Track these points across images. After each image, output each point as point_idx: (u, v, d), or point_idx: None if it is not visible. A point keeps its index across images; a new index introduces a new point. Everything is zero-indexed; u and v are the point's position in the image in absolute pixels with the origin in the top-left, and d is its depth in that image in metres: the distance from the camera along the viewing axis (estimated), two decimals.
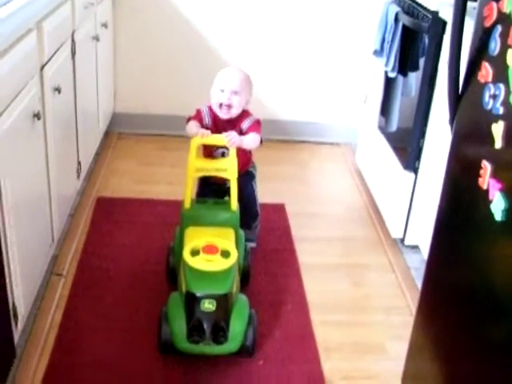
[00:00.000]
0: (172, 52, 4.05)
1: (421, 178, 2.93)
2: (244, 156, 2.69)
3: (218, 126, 2.65)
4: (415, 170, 2.95)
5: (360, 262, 3.01)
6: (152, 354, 2.28)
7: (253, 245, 2.90)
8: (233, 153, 2.51)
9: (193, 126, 2.60)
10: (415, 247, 3.03)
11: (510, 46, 1.48)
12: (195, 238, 2.38)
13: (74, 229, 3.03)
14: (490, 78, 1.58)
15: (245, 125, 2.66)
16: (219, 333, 2.20)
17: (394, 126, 3.27)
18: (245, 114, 2.69)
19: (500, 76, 1.52)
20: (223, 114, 2.64)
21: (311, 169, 3.95)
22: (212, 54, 4.04)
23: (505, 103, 1.50)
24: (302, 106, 4.23)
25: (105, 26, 3.56)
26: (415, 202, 2.98)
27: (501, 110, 1.52)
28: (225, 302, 2.21)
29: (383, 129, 3.41)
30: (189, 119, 2.67)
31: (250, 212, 2.85)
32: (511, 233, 1.47)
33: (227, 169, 2.53)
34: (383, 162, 3.35)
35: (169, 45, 4.03)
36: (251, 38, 4.04)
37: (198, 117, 2.67)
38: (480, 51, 1.64)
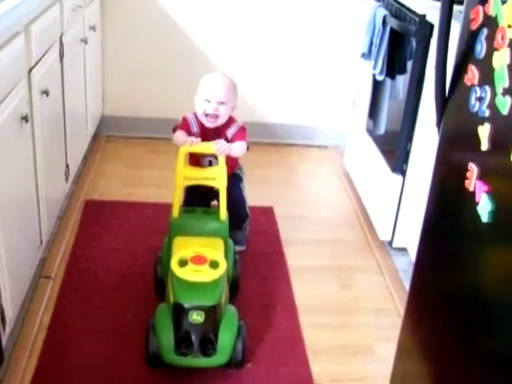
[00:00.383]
0: (160, 55, 4.05)
1: (408, 180, 2.94)
2: (231, 159, 2.67)
3: (205, 133, 2.63)
4: (403, 173, 2.96)
5: (348, 265, 3.02)
6: (140, 357, 2.27)
7: (242, 248, 2.90)
8: (222, 161, 2.49)
9: (180, 135, 2.57)
10: (403, 249, 3.04)
11: (495, 49, 1.49)
12: (183, 248, 2.35)
13: (62, 231, 3.02)
14: (476, 81, 1.59)
15: (230, 132, 2.65)
16: (208, 345, 2.16)
17: (382, 129, 3.29)
18: (230, 120, 2.67)
19: (486, 78, 1.53)
20: (210, 124, 2.62)
21: (300, 172, 3.95)
22: (201, 57, 4.04)
23: (491, 106, 1.51)
24: (290, 109, 4.24)
25: (93, 28, 3.55)
26: (403, 205, 3.00)
27: (487, 113, 1.53)
28: (213, 314, 2.18)
29: (371, 131, 3.42)
30: (174, 129, 2.65)
31: (239, 213, 2.85)
32: (498, 234, 1.48)
33: (216, 178, 2.51)
34: (371, 164, 3.36)
35: (157, 47, 4.03)
36: (240, 40, 4.05)
37: (185, 125, 2.65)
38: (466, 54, 1.65)
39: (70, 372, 2.22)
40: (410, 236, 2.88)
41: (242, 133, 2.65)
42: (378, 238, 3.17)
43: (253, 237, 3.02)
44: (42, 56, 2.51)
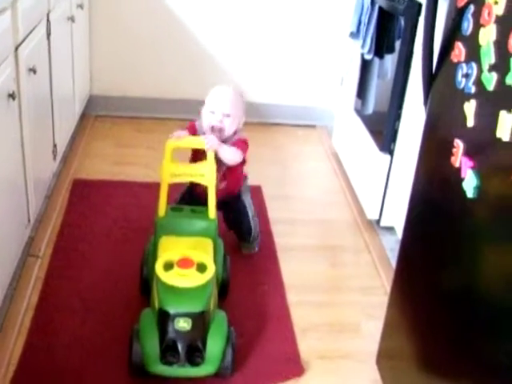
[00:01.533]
0: (148, 34, 4.02)
1: (396, 159, 2.95)
2: (235, 174, 2.63)
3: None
4: (391, 152, 2.97)
5: (336, 244, 3.03)
6: (127, 336, 2.27)
7: (250, 251, 2.85)
8: (210, 157, 2.37)
9: (179, 131, 2.46)
10: (391, 228, 3.06)
11: (482, 26, 1.49)
12: (169, 249, 2.24)
13: (50, 210, 3.02)
14: (462, 58, 1.60)
15: (229, 142, 2.55)
16: (195, 353, 2.05)
17: (370, 109, 3.29)
18: (235, 134, 2.58)
19: (472, 55, 1.54)
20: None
21: (288, 151, 3.96)
22: (189, 36, 4.03)
23: (477, 82, 1.51)
24: (278, 89, 4.24)
25: (80, 6, 3.53)
26: (391, 184, 3.01)
27: (473, 89, 1.53)
28: (201, 321, 2.06)
29: (359, 111, 3.43)
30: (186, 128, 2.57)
31: (242, 227, 2.78)
32: (483, 210, 1.49)
33: (204, 174, 2.37)
34: (359, 144, 3.36)
35: (145, 27, 4.01)
36: (228, 20, 4.03)
37: (190, 129, 2.56)
38: (453, 31, 1.66)
39: (59, 350, 2.22)
40: (397, 215, 2.90)
41: (240, 143, 2.55)
42: (366, 217, 3.18)
43: None
44: (29, 33, 2.49)
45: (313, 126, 4.31)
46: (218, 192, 2.45)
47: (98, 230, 2.91)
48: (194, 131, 2.56)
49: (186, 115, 2.61)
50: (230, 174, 2.60)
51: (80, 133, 3.86)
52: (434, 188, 1.82)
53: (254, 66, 4.16)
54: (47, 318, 2.36)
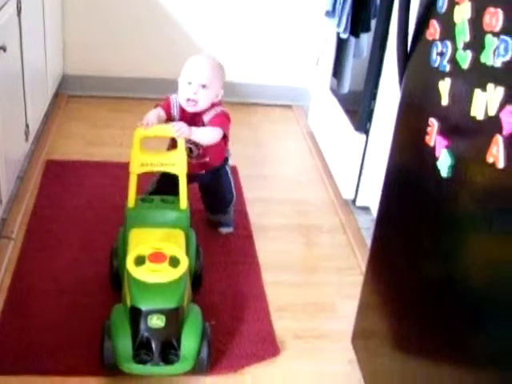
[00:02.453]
0: (124, 10, 3.97)
1: (372, 139, 2.95)
2: (216, 152, 2.57)
3: (184, 119, 2.45)
4: (366, 132, 2.96)
5: (312, 223, 3.02)
6: (101, 317, 2.25)
7: (229, 230, 2.83)
8: (181, 145, 2.29)
9: (150, 114, 2.36)
10: (366, 208, 3.06)
11: (456, 3, 1.48)
12: (140, 242, 2.16)
13: (22, 192, 2.98)
14: (437, 36, 1.58)
15: (207, 117, 2.48)
16: (170, 351, 1.99)
17: (346, 88, 3.27)
18: (212, 106, 2.50)
19: (447, 33, 1.53)
20: (189, 108, 2.46)
21: (263, 131, 3.94)
22: (165, 13, 3.99)
23: (451, 60, 1.50)
24: (253, 68, 4.21)
25: None
26: (366, 164, 3.00)
27: (448, 68, 1.52)
28: (175, 317, 1.99)
29: (335, 91, 3.41)
30: (156, 106, 2.48)
31: (225, 199, 2.75)
32: (457, 189, 1.49)
33: (175, 163, 2.30)
34: (335, 124, 3.35)
35: (120, 2, 3.95)
36: None
37: (166, 106, 2.48)
38: (428, 9, 1.64)
39: (32, 332, 2.20)
40: (372, 195, 2.90)
41: (218, 118, 2.47)
42: (342, 197, 3.18)
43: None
44: None
45: (289, 106, 4.29)
46: (200, 165, 2.51)
47: (72, 210, 2.88)
48: (168, 107, 2.48)
49: (162, 95, 2.55)
50: (210, 150, 2.53)
51: (53, 113, 3.82)
52: (408, 167, 1.81)
53: (230, 45, 4.12)
54: (20, 300, 2.34)
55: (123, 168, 2.97)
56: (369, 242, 2.72)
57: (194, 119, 2.48)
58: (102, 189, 3.06)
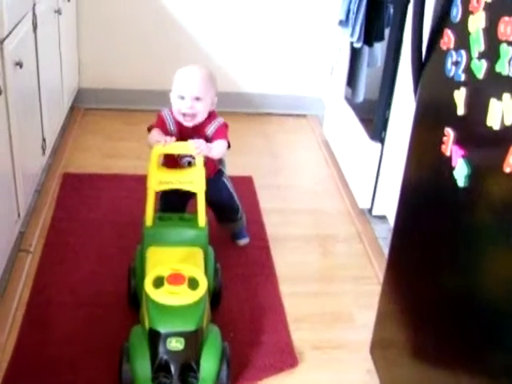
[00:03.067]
0: (136, 25, 3.99)
1: (387, 148, 2.94)
2: (211, 161, 2.47)
3: (183, 132, 2.40)
4: (381, 141, 2.96)
5: (328, 233, 3.02)
6: (119, 328, 2.25)
7: (245, 241, 2.80)
8: (200, 163, 2.26)
9: (155, 134, 2.34)
10: (383, 217, 3.05)
11: (471, 13, 1.48)
12: (158, 261, 2.14)
13: (40, 205, 3.00)
14: (452, 45, 1.58)
15: (210, 130, 2.41)
16: (189, 374, 1.96)
17: (360, 97, 3.28)
18: (211, 116, 2.43)
19: (462, 43, 1.53)
20: (188, 123, 2.38)
21: (278, 141, 3.94)
22: (177, 27, 4.00)
23: (466, 70, 1.50)
24: (267, 78, 4.22)
25: None
26: (382, 173, 3.00)
27: (462, 77, 1.52)
28: (194, 339, 1.96)
29: (350, 100, 3.41)
30: (150, 128, 2.42)
31: (231, 209, 2.70)
32: (474, 198, 1.48)
33: (193, 181, 2.28)
34: (350, 133, 3.35)
35: (133, 18, 3.98)
36: (216, 10, 4.00)
37: (160, 124, 2.42)
38: (442, 18, 1.64)
39: (51, 346, 2.21)
40: (389, 203, 2.89)
41: (222, 130, 2.42)
42: (358, 206, 3.17)
43: None
44: (15, 27, 2.46)
45: (303, 116, 4.29)
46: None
47: (89, 223, 2.90)
48: (163, 124, 2.41)
49: None
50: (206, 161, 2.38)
51: (69, 126, 3.84)
52: (425, 177, 1.81)
53: (243, 56, 4.13)
54: (39, 313, 2.35)
55: (139, 180, 3.00)
56: (386, 251, 2.72)
57: (195, 132, 2.41)
58: (119, 201, 3.08)
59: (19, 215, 2.59)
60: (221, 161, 2.64)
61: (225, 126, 2.44)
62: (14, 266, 2.57)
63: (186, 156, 2.41)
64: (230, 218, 2.73)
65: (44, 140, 3.04)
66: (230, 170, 2.92)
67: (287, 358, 2.23)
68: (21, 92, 2.55)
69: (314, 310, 2.50)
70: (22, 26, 2.57)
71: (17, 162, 2.49)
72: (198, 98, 2.34)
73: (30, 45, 2.75)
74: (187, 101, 2.33)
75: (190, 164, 2.44)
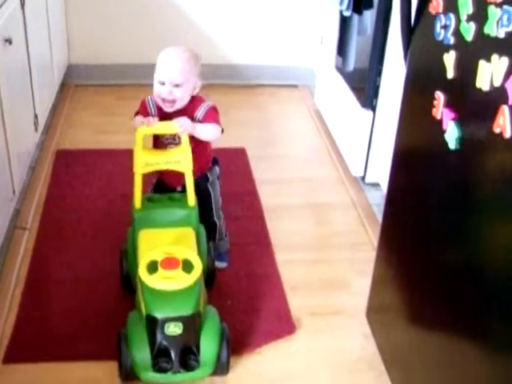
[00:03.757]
0: None
1: (379, 115, 2.95)
2: (201, 157, 2.36)
3: (166, 118, 2.27)
4: (373, 108, 2.97)
5: (322, 202, 3.04)
6: (118, 299, 2.29)
7: (221, 265, 2.52)
8: (185, 141, 2.18)
9: (138, 118, 2.26)
10: (376, 184, 3.07)
11: None
12: (150, 245, 2.08)
13: (35, 182, 3.01)
14: (440, 9, 1.59)
15: (199, 113, 2.29)
16: (189, 357, 1.94)
17: (351, 66, 3.27)
18: (196, 101, 2.31)
19: (450, 6, 1.53)
20: (168, 108, 2.27)
21: (270, 112, 3.94)
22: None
23: (455, 33, 1.51)
24: (258, 49, 4.21)
25: None
26: (374, 140, 3.01)
27: (452, 40, 1.53)
28: (193, 323, 1.93)
29: (341, 69, 3.41)
30: (136, 113, 2.34)
31: (205, 221, 2.43)
32: (465, 160, 1.50)
33: (180, 161, 2.19)
34: (341, 101, 3.36)
35: None
36: None
37: (142, 110, 2.33)
38: None
39: (51, 320, 2.24)
40: (382, 171, 2.90)
41: (212, 113, 2.31)
42: (351, 174, 3.19)
43: (226, 178, 2.99)
44: (3, 3, 2.46)
45: (295, 86, 4.29)
46: (178, 178, 2.30)
47: (84, 199, 2.91)
48: (145, 110, 2.32)
49: None
50: (196, 153, 2.27)
51: (61, 103, 3.84)
52: (416, 141, 1.83)
53: (233, 26, 4.12)
54: (38, 289, 2.37)
55: (132, 154, 3.00)
56: (380, 217, 2.74)
57: (176, 118, 2.26)
58: (113, 176, 3.09)
59: (14, 192, 2.60)
60: (214, 171, 2.49)
61: (214, 109, 2.33)
62: (10, 243, 2.59)
63: (169, 139, 2.31)
64: (207, 233, 2.41)
65: (36, 116, 3.04)
66: (223, 142, 2.88)
67: (285, 325, 2.26)
68: (11, 69, 2.55)
69: (310, 277, 2.52)
70: (9, 2, 2.56)
71: (10, 139, 2.50)
72: (177, 85, 2.23)
73: (19, 21, 2.74)
74: (167, 86, 2.23)
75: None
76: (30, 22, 2.88)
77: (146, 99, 2.34)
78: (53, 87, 3.58)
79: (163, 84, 2.23)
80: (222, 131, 2.34)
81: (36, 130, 3.06)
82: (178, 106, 2.27)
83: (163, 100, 2.25)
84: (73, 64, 4.08)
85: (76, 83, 4.11)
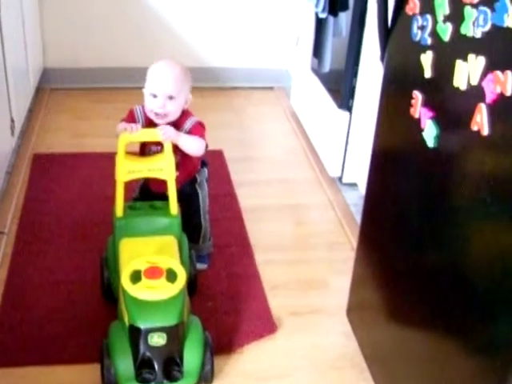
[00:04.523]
0: (99, 3, 3.96)
1: (355, 116, 2.98)
2: (189, 164, 2.37)
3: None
4: (349, 109, 3.00)
5: (300, 202, 3.07)
6: (99, 302, 2.29)
7: (202, 266, 2.50)
8: (168, 148, 2.16)
9: (121, 124, 2.22)
10: (353, 185, 3.10)
11: None
12: (132, 254, 2.05)
13: (12, 186, 2.99)
14: (417, 10, 1.62)
15: (186, 126, 2.29)
16: (173, 368, 1.93)
17: (326, 67, 3.30)
18: (184, 115, 2.31)
19: (427, 7, 1.56)
20: (159, 121, 2.25)
21: (246, 114, 3.96)
22: (140, 3, 3.98)
23: (432, 33, 1.54)
24: (233, 52, 4.22)
25: None
26: (351, 141, 3.04)
27: (429, 41, 1.56)
28: (176, 333, 1.91)
29: (316, 70, 3.44)
30: (122, 121, 2.28)
31: (191, 223, 2.44)
32: (443, 158, 1.52)
33: (163, 168, 2.17)
34: (318, 103, 3.38)
35: None
36: None
37: (130, 118, 2.29)
38: None
39: (32, 323, 2.22)
40: (359, 171, 2.93)
41: (198, 128, 2.30)
42: (328, 175, 3.21)
43: None
44: None
45: (270, 88, 4.31)
46: (164, 184, 2.25)
47: (63, 202, 2.90)
48: (132, 120, 2.28)
49: (142, 83, 2.47)
50: (184, 164, 2.32)
51: (36, 107, 3.82)
52: (395, 141, 1.85)
53: (207, 29, 4.12)
54: (18, 293, 2.36)
55: (110, 158, 2.98)
56: (357, 217, 2.77)
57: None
58: (91, 179, 3.08)
59: None
60: (203, 173, 2.48)
61: (200, 124, 2.32)
62: None
63: (156, 147, 2.29)
64: (191, 235, 2.43)
65: (13, 121, 3.03)
66: None
67: (266, 325, 2.27)
68: None
69: (289, 277, 2.54)
70: None
71: None
72: (171, 97, 2.22)
73: None
74: (160, 99, 2.21)
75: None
76: (4, 27, 2.86)
77: (135, 109, 2.31)
78: (29, 91, 3.57)
79: (155, 97, 2.21)
80: (207, 147, 2.32)
81: (13, 134, 3.04)
82: (170, 119, 2.25)
83: (156, 114, 2.23)
84: (48, 68, 4.06)
85: (52, 87, 4.09)
